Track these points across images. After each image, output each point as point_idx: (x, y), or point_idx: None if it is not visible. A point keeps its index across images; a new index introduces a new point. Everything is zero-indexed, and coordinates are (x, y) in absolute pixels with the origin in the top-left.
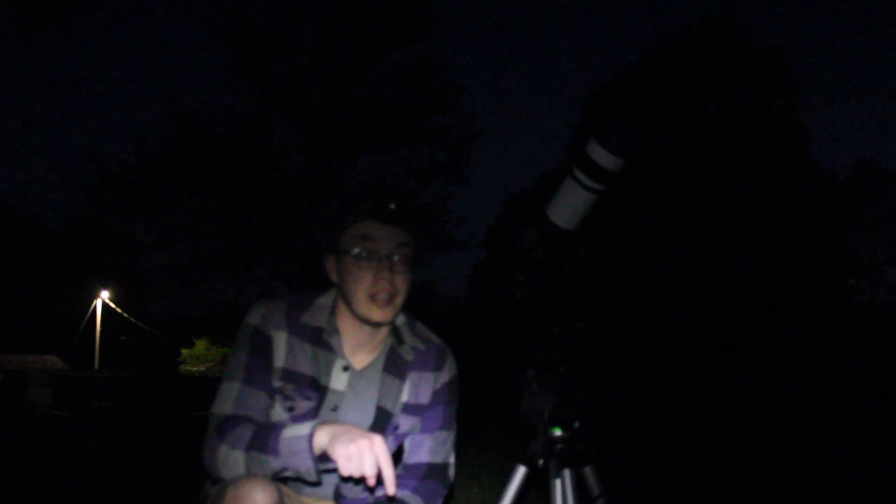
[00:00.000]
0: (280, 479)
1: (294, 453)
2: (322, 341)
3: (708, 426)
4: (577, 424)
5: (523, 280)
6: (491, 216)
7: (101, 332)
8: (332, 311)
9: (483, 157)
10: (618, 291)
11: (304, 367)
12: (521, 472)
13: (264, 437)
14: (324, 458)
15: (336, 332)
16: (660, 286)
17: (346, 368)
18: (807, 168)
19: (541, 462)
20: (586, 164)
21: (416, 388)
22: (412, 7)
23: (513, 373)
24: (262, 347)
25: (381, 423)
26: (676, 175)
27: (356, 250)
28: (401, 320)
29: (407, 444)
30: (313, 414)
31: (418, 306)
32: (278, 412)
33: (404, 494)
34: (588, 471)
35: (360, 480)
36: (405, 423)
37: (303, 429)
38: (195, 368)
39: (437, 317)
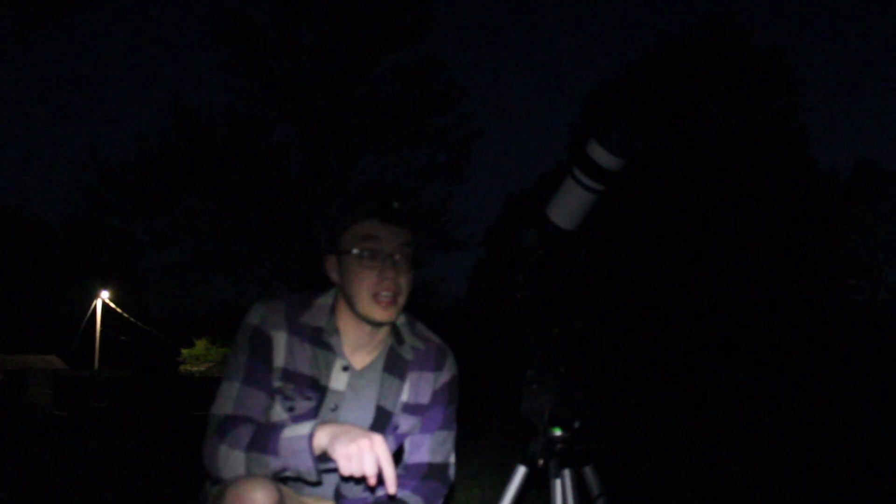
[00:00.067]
0: (280, 479)
1: (294, 453)
2: (322, 341)
3: (708, 426)
4: (577, 424)
5: (523, 280)
6: (491, 216)
7: (101, 332)
8: (332, 311)
9: (483, 157)
10: (618, 291)
11: (304, 367)
12: (521, 472)
13: (264, 438)
14: (324, 457)
15: (336, 332)
16: (660, 286)
17: (345, 368)
18: (807, 168)
19: (541, 462)
20: (586, 164)
21: (416, 387)
22: (412, 7)
23: (513, 373)
24: (261, 347)
25: (381, 422)
26: (676, 175)
27: (359, 250)
28: (401, 320)
29: (407, 444)
30: (313, 414)
31: (418, 306)
32: (278, 412)
33: (404, 494)
34: (588, 471)
35: (361, 480)
36: (405, 422)
37: (303, 429)
38: (195, 368)
39: (437, 317)
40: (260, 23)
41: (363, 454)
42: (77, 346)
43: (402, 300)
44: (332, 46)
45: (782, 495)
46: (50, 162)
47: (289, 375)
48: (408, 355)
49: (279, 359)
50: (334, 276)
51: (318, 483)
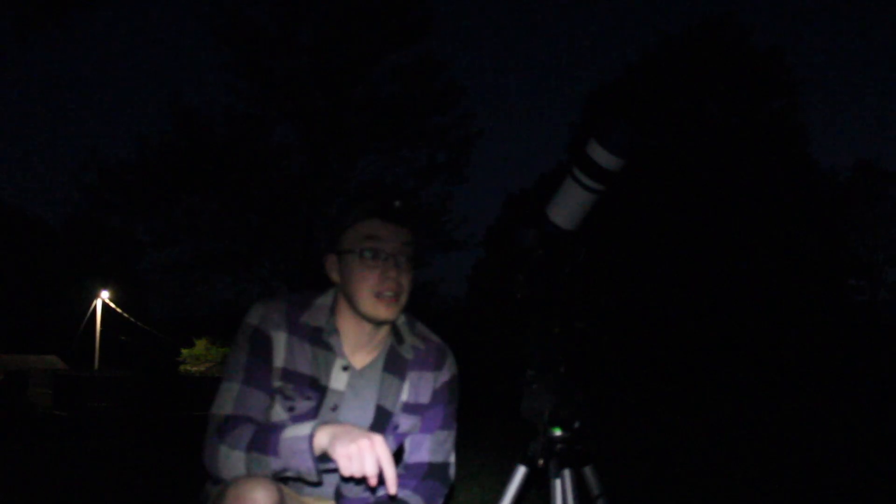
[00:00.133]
0: (281, 479)
1: (294, 454)
2: (321, 341)
3: (708, 426)
4: (577, 424)
5: (523, 280)
6: (491, 216)
7: (101, 332)
8: (332, 311)
9: (483, 157)
10: (618, 291)
11: (304, 366)
12: (521, 471)
13: (265, 438)
14: (324, 458)
15: (335, 331)
16: (660, 286)
17: (345, 368)
18: (807, 168)
19: (541, 462)
20: (586, 164)
21: (416, 387)
22: (412, 7)
23: (513, 373)
24: (261, 347)
25: (381, 422)
26: (676, 175)
27: (361, 250)
28: (401, 320)
29: (407, 444)
30: (313, 414)
31: (418, 306)
32: (278, 412)
33: (405, 494)
34: (588, 471)
35: (361, 480)
36: (405, 422)
37: (303, 429)
38: (195, 368)
39: (437, 317)
40: (260, 23)
41: (364, 454)
42: (77, 346)
43: (403, 299)
44: (332, 46)
45: (782, 495)
46: (50, 162)
47: (289, 375)
48: (408, 355)
49: (279, 359)
50: (335, 275)
51: (318, 483)
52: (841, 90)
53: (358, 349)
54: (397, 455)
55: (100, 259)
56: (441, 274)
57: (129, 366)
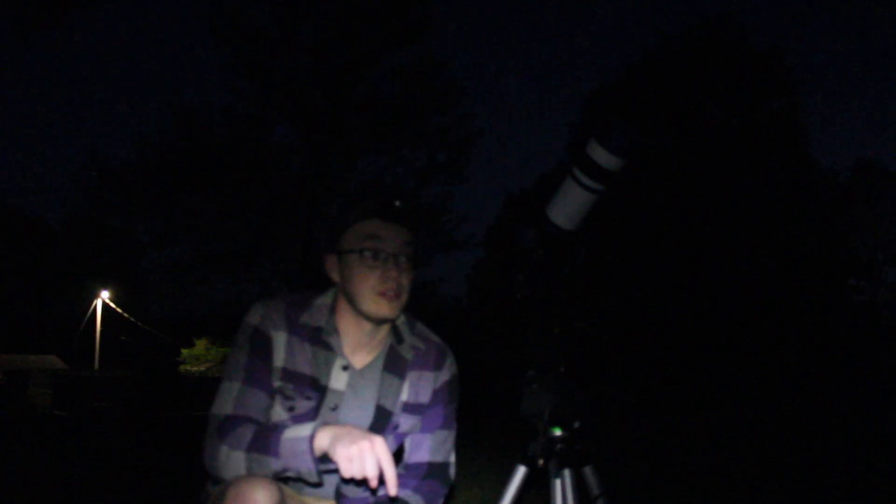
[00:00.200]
0: (281, 479)
1: (295, 455)
2: (321, 341)
3: (708, 426)
4: (577, 424)
5: (523, 280)
6: (491, 216)
7: (101, 332)
8: (332, 311)
9: (483, 157)
10: (618, 291)
11: (304, 366)
12: (521, 471)
13: (265, 439)
14: (325, 458)
15: (335, 331)
16: (660, 286)
17: (345, 368)
18: (807, 168)
19: (541, 462)
20: (586, 164)
21: (416, 387)
22: (412, 7)
23: (513, 373)
24: (261, 347)
25: (381, 422)
26: (676, 175)
27: (361, 250)
28: (400, 320)
29: (407, 444)
30: (313, 413)
31: (418, 306)
32: (278, 412)
33: (405, 494)
34: (588, 471)
35: (362, 482)
36: (405, 422)
37: (304, 430)
38: (195, 368)
39: (437, 317)
40: (260, 23)
41: (364, 456)
42: (77, 346)
43: (404, 298)
44: (332, 46)
45: (782, 495)
46: (50, 162)
47: (289, 375)
48: (407, 354)
49: (279, 358)
50: (335, 275)
51: (319, 484)
52: (841, 90)
53: (358, 349)
54: (397, 455)
55: (100, 259)
56: (441, 274)
57: (129, 366)
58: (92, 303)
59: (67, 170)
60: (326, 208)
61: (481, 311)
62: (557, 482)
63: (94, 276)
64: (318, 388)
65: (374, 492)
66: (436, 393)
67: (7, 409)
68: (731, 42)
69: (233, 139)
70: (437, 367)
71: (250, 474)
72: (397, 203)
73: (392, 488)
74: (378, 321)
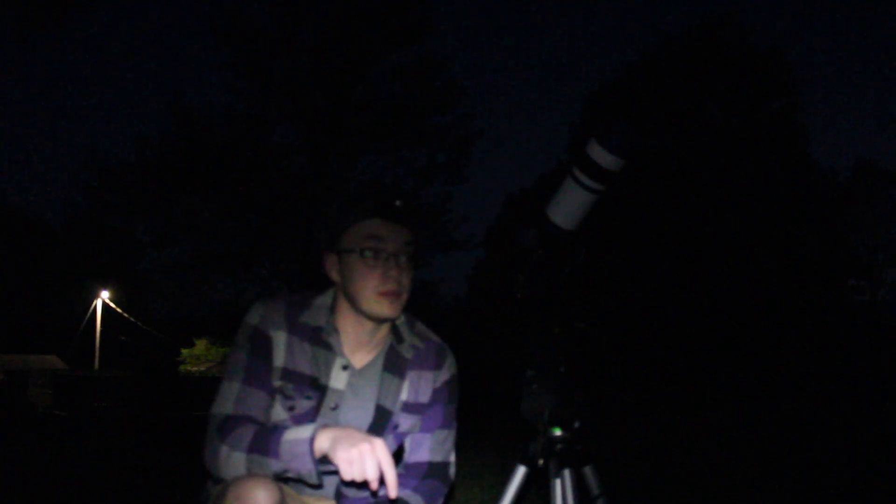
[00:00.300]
0: (282, 479)
1: (295, 456)
2: (321, 340)
3: (708, 426)
4: (577, 424)
5: (523, 280)
6: (491, 216)
7: (101, 332)
8: (332, 311)
9: (483, 157)
10: (618, 291)
11: (304, 366)
12: (521, 471)
13: (265, 440)
14: (325, 460)
15: (335, 331)
16: (660, 286)
17: (345, 367)
18: (807, 168)
19: (541, 462)
20: (586, 164)
21: (416, 386)
22: (412, 7)
23: (513, 373)
24: (261, 347)
25: (381, 421)
26: (676, 175)
27: (362, 250)
28: (400, 319)
29: (407, 444)
30: (313, 413)
31: (418, 306)
32: (278, 411)
33: (405, 494)
34: (588, 471)
35: (363, 485)
36: (405, 421)
37: (304, 432)
38: (195, 368)
39: (437, 317)
40: (260, 23)
41: (364, 459)
42: (77, 346)
43: (405, 297)
44: (332, 46)
45: (782, 495)
46: (50, 162)
47: (289, 375)
48: (407, 354)
49: (279, 358)
50: (335, 274)
51: (319, 486)
52: (841, 90)
53: (358, 348)
54: (397, 454)
55: (100, 259)
56: (441, 274)
57: (129, 366)
58: (92, 303)
59: (67, 170)
60: (326, 208)
61: (481, 311)
62: (557, 482)
63: (94, 276)
64: (318, 388)
65: (374, 493)
66: (436, 392)
67: (7, 409)
68: (731, 42)
69: (233, 139)
70: (437, 366)
71: (251, 474)
72: (398, 203)
73: (392, 490)
74: (379, 321)
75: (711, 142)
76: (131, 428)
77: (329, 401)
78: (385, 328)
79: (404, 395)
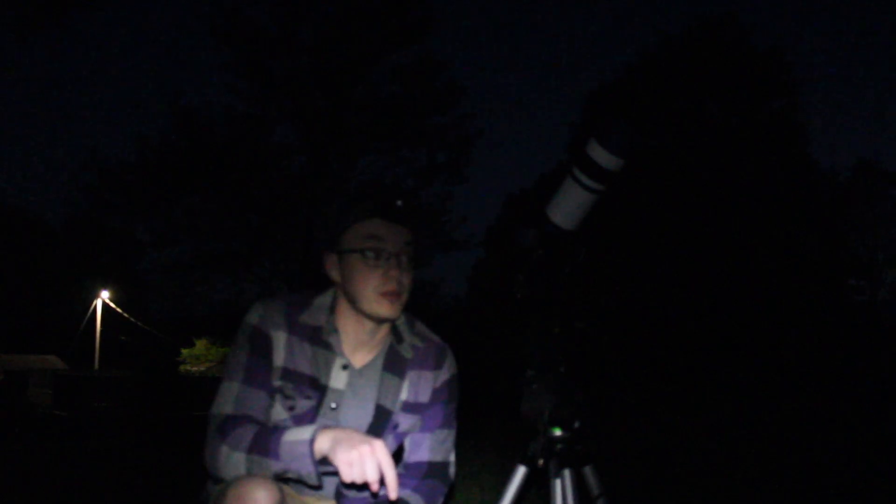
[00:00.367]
0: (281, 479)
1: (295, 457)
2: (321, 340)
3: (708, 426)
4: (577, 424)
5: (523, 280)
6: (491, 216)
7: (101, 332)
8: (331, 310)
9: (483, 157)
10: (618, 291)
11: (304, 366)
12: (521, 472)
13: (265, 441)
14: (325, 461)
15: (335, 330)
16: (660, 286)
17: (345, 367)
18: (807, 168)
19: (541, 462)
20: (586, 164)
21: (416, 386)
22: (412, 7)
23: (513, 373)
24: (261, 347)
25: (381, 421)
26: (676, 175)
27: (363, 250)
28: (400, 319)
29: (407, 443)
30: (313, 413)
31: (418, 306)
32: (278, 411)
33: (405, 493)
34: (588, 471)
35: (363, 487)
36: (405, 421)
37: (304, 433)
38: (195, 368)
39: (437, 317)
40: (260, 23)
41: (365, 461)
42: (77, 346)
43: (405, 297)
44: (332, 46)
45: (782, 495)
46: (50, 162)
47: (288, 374)
48: (407, 354)
49: (279, 358)
50: (335, 274)
51: (318, 487)
52: (841, 90)
53: (358, 348)
54: (397, 454)
55: (100, 259)
56: (441, 274)
57: (129, 366)
58: (92, 303)
59: (67, 170)
60: (326, 207)
61: (481, 311)
62: (557, 482)
63: (94, 276)
64: (318, 388)
65: (374, 494)
66: (435, 392)
67: (7, 409)
68: (731, 42)
69: (233, 139)
70: (437, 366)
71: (251, 474)
72: (399, 203)
73: (393, 492)
74: (379, 321)
75: (711, 142)
76: (131, 428)
77: (329, 400)
78: (385, 328)
79: (404, 395)
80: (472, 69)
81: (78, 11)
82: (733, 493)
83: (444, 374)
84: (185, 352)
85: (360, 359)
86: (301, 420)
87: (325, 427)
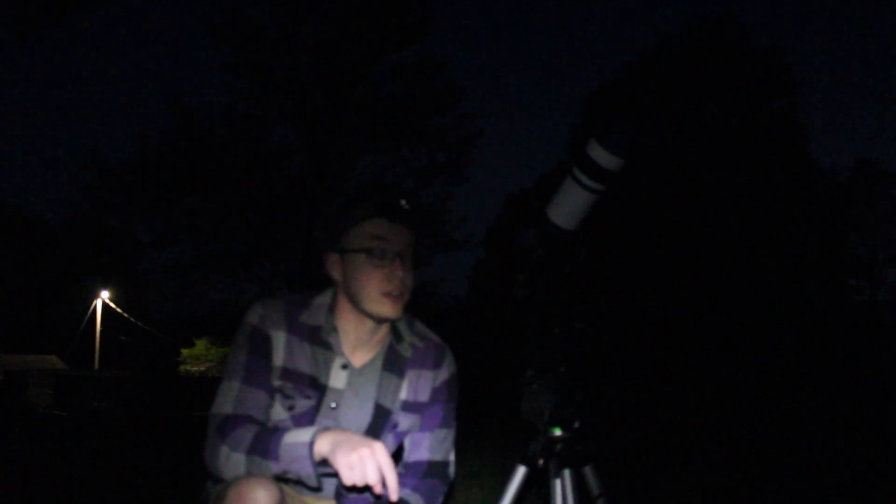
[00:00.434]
0: (281, 479)
1: (295, 459)
2: (320, 340)
3: (708, 426)
4: (577, 424)
5: (523, 280)
6: (491, 216)
7: (101, 332)
8: (331, 310)
9: (483, 157)
10: (618, 291)
11: (304, 365)
12: (521, 472)
13: (265, 442)
14: (324, 462)
15: (334, 330)
16: (660, 286)
17: (344, 366)
18: (807, 168)
19: (541, 462)
20: (586, 164)
21: (415, 385)
22: (412, 7)
23: (513, 373)
24: (261, 347)
25: (380, 420)
26: (676, 175)
27: (366, 249)
28: (400, 319)
29: (407, 443)
30: (313, 412)
31: (418, 306)
32: (278, 411)
33: (405, 493)
34: (588, 471)
35: (363, 489)
36: (404, 420)
37: (303, 435)
38: (195, 368)
39: (437, 317)
40: (260, 23)
41: (365, 463)
42: (77, 346)
43: (407, 298)
44: (332, 46)
45: (782, 495)
46: (50, 162)
47: (288, 374)
48: (407, 353)
49: (278, 358)
50: (336, 274)
51: (318, 489)
52: (841, 90)
53: (357, 348)
54: (397, 454)
55: (100, 259)
56: (441, 274)
57: (129, 366)
58: (92, 303)
59: (67, 170)
60: (326, 208)
61: (481, 311)
62: (557, 482)
63: (94, 276)
64: (318, 387)
65: (374, 495)
66: (435, 391)
67: (7, 409)
68: (731, 42)
69: (233, 139)
70: (437, 365)
71: (251, 474)
72: (403, 203)
73: (393, 494)
74: (381, 321)
75: (711, 142)
76: (131, 428)
77: (328, 400)
78: (385, 327)
79: (403, 394)
80: (472, 69)
81: (78, 11)
82: (733, 493)
83: (444, 374)
84: (185, 352)
85: (359, 358)
86: (301, 419)
87: (325, 429)
